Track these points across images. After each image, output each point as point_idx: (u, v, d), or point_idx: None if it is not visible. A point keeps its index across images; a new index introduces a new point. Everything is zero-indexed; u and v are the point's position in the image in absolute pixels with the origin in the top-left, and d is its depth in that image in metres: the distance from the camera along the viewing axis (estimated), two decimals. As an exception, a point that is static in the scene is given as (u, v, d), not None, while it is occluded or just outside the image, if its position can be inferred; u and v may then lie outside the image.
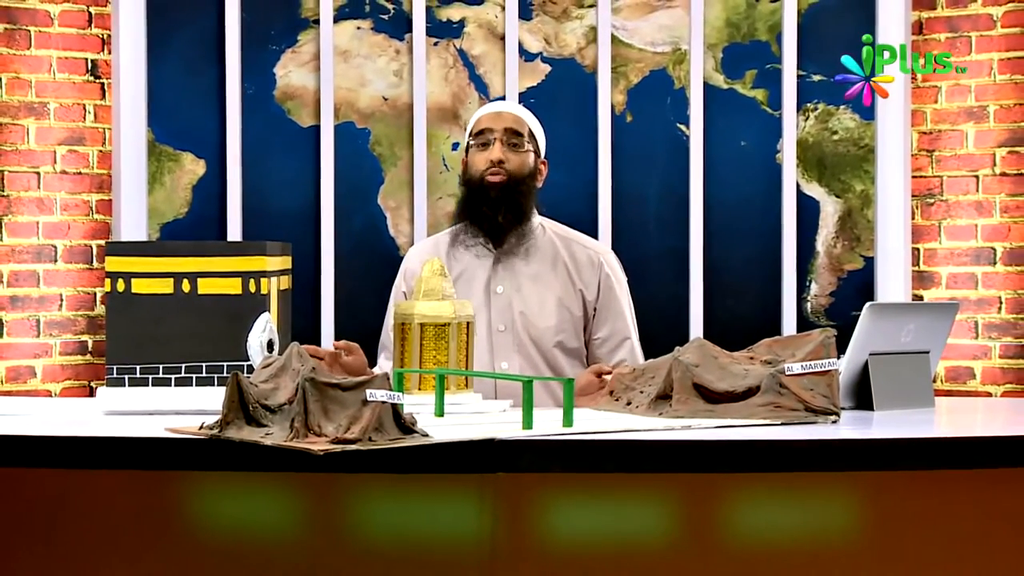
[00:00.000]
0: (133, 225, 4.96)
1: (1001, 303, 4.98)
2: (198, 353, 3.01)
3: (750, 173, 5.12)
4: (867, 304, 3.00)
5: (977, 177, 5.01)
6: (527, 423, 2.65)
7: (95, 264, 4.95)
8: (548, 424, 2.70)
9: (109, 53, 4.95)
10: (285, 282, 3.22)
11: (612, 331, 3.59)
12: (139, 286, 3.01)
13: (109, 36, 4.95)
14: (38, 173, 4.89)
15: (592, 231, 4.77)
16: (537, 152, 3.61)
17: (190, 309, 3.01)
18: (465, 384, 3.06)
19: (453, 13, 5.08)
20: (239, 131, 5.01)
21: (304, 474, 2.53)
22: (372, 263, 4.99)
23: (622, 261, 3.73)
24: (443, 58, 5.07)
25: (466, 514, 2.60)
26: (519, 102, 4.96)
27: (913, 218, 5.10)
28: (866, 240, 5.12)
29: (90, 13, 4.94)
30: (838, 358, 2.87)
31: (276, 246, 3.15)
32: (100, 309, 4.94)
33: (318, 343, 4.84)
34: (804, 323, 5.07)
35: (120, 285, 3.01)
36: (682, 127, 5.10)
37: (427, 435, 2.52)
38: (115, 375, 3.00)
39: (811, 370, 2.83)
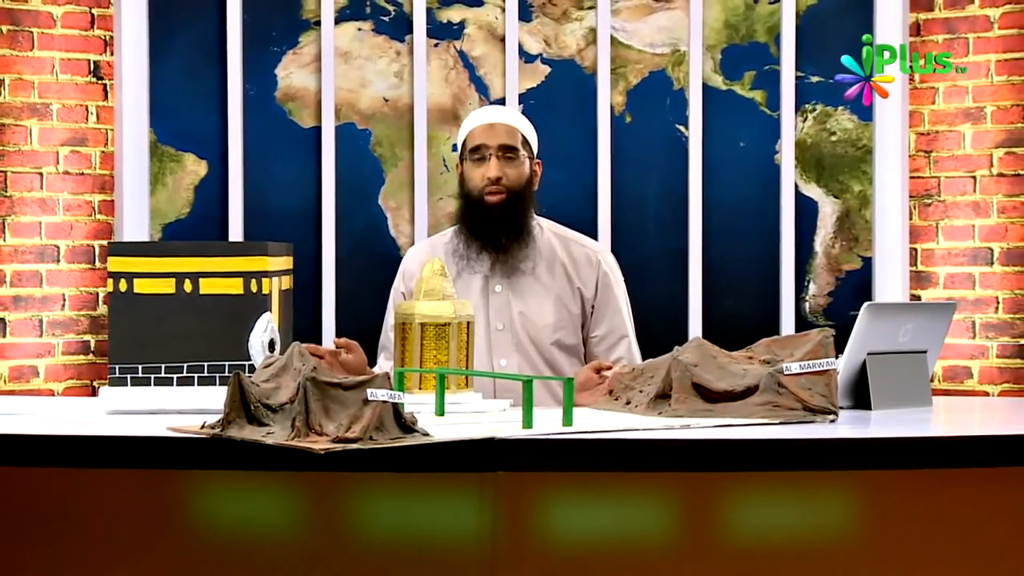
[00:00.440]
0: (135, 225, 4.97)
1: (998, 303, 4.98)
2: (200, 353, 3.02)
3: (749, 174, 5.11)
4: (865, 304, 3.00)
5: (974, 178, 5.02)
6: (527, 422, 2.66)
7: (97, 264, 4.95)
8: (548, 423, 2.71)
9: (111, 54, 4.95)
10: (286, 282, 3.23)
11: (610, 329, 3.60)
12: (141, 286, 3.02)
13: (111, 37, 4.95)
14: (41, 174, 4.89)
15: (591, 231, 4.78)
16: (532, 156, 3.62)
17: (192, 309, 3.02)
18: (465, 383, 3.07)
19: (453, 15, 5.08)
20: (240, 132, 5.01)
21: (305, 473, 2.53)
22: (373, 263, 4.99)
23: (621, 261, 3.74)
24: (443, 59, 5.08)
25: (466, 513, 2.60)
26: (519, 103, 4.98)
27: (911, 218, 5.10)
28: (864, 240, 5.13)
29: (92, 15, 4.94)
30: (836, 358, 2.87)
31: (277, 246, 3.16)
32: (102, 309, 4.94)
33: (319, 343, 4.82)
34: (802, 323, 5.08)
35: (122, 285, 3.02)
36: (681, 128, 5.10)
37: (428, 434, 2.52)
38: (117, 375, 3.01)
39: (809, 369, 2.83)
